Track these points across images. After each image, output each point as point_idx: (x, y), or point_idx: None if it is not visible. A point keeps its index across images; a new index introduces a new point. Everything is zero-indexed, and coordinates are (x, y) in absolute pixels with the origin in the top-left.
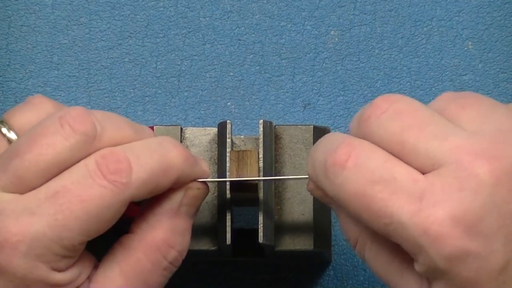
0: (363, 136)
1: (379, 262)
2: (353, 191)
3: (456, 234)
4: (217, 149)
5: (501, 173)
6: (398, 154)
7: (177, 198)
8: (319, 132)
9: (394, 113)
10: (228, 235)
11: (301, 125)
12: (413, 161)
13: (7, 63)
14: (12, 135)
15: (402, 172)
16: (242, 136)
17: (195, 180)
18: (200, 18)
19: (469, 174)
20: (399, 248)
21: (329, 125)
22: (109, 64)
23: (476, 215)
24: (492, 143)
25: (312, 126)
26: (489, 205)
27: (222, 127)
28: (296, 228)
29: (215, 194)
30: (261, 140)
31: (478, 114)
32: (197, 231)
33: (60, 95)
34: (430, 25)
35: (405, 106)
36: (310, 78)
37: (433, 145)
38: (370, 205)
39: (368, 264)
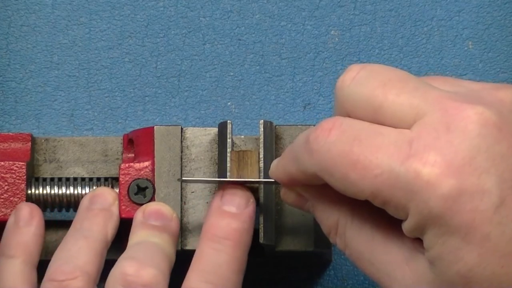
0: (342, 105)
1: (362, 239)
2: (340, 152)
3: (449, 174)
4: (217, 149)
5: (489, 115)
6: (380, 114)
7: None
8: None
9: (370, 72)
10: None
11: (302, 125)
12: (396, 116)
13: (7, 63)
14: None
15: (387, 128)
16: (242, 136)
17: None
18: (200, 18)
19: (455, 117)
20: (381, 218)
21: None
22: (109, 64)
23: (466, 155)
24: (473, 96)
25: (312, 126)
26: (479, 145)
27: (222, 127)
28: (297, 228)
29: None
30: (261, 140)
31: (447, 82)
32: (198, 231)
33: (60, 95)
34: (430, 25)
35: (380, 66)
36: (310, 78)
37: (416, 96)
38: (359, 160)
39: (349, 249)
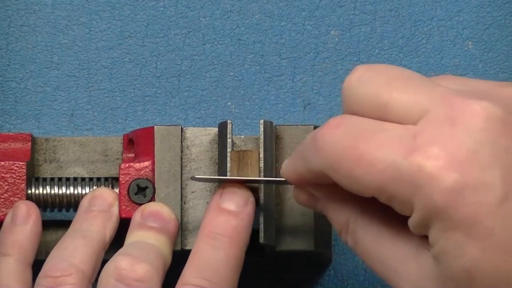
0: (349, 105)
1: (370, 236)
2: (345, 148)
3: (452, 168)
4: (217, 149)
5: (494, 110)
6: (386, 112)
7: None
8: None
9: (375, 72)
10: None
11: (302, 125)
12: (402, 113)
13: (7, 63)
14: None
15: (392, 124)
16: (242, 136)
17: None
18: (200, 18)
19: (460, 112)
20: (388, 216)
21: None
22: (109, 64)
23: (470, 149)
24: (478, 93)
25: (312, 126)
26: (483, 139)
27: (222, 127)
28: (297, 228)
29: None
30: (261, 140)
31: (455, 80)
32: (198, 231)
33: (60, 95)
34: (430, 25)
35: (385, 66)
36: (310, 78)
37: (420, 93)
38: (363, 156)
39: (359, 247)
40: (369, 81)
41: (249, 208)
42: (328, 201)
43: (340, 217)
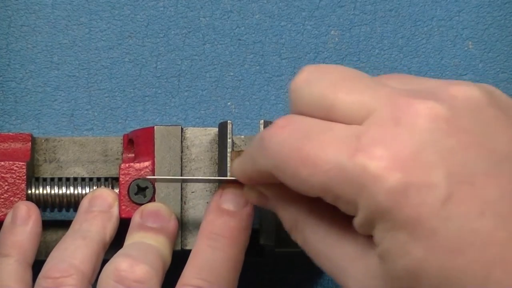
0: (296, 106)
1: (319, 235)
2: (291, 148)
3: (396, 168)
4: (217, 149)
5: (439, 110)
6: (332, 113)
7: None
8: None
9: (321, 72)
10: None
11: None
12: (347, 114)
13: (7, 63)
14: None
15: (338, 124)
16: (242, 136)
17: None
18: (200, 18)
19: (404, 111)
20: (336, 216)
21: None
22: (109, 64)
23: (414, 149)
24: (424, 92)
25: None
26: (427, 139)
27: (223, 127)
28: None
29: None
30: None
31: (403, 79)
32: (198, 231)
33: (60, 95)
34: (430, 25)
35: (331, 66)
36: None
37: (366, 93)
38: (309, 156)
39: (308, 246)
40: (316, 81)
41: (249, 209)
42: (278, 201)
43: (289, 216)
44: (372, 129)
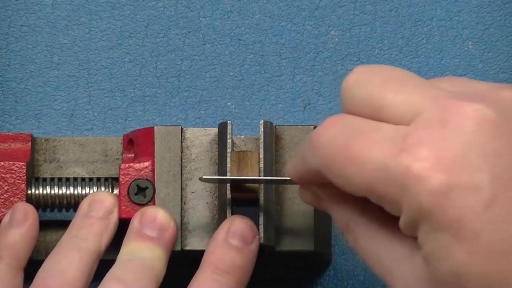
0: (347, 106)
1: (369, 236)
2: (338, 146)
3: (439, 169)
4: (217, 150)
5: (486, 112)
6: (381, 113)
7: None
8: None
9: (371, 73)
10: None
11: (302, 125)
12: (396, 114)
13: (7, 63)
14: None
15: (386, 124)
16: (242, 136)
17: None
18: (200, 18)
19: (451, 113)
20: (387, 216)
21: None
22: (109, 64)
23: (459, 151)
24: (473, 95)
25: (312, 126)
26: (473, 142)
27: (222, 128)
28: (297, 229)
29: (215, 195)
30: (261, 140)
31: (455, 82)
32: (198, 231)
33: (60, 95)
34: (430, 25)
35: (381, 67)
36: (310, 78)
37: (414, 94)
38: (355, 155)
39: (359, 247)
40: (365, 82)
41: (255, 246)
42: (331, 201)
43: (341, 216)
44: (419, 130)
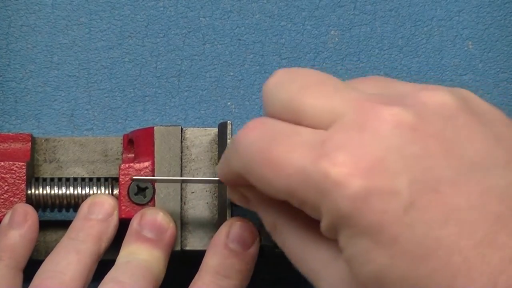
0: (267, 109)
1: (296, 238)
2: (258, 150)
3: (358, 174)
4: (217, 150)
5: (404, 116)
6: (300, 117)
7: None
8: None
9: (291, 76)
10: None
11: None
12: (315, 119)
13: (7, 63)
14: None
15: (306, 129)
16: None
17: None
18: (200, 18)
19: (369, 118)
20: (312, 219)
21: None
22: (109, 64)
23: (377, 155)
24: (393, 98)
25: None
26: (391, 146)
27: (222, 128)
28: None
29: (215, 195)
30: None
31: (378, 83)
32: (198, 231)
33: (60, 95)
34: (430, 25)
35: (302, 70)
36: None
37: (334, 98)
38: (274, 159)
39: (286, 248)
40: (285, 85)
41: (255, 249)
42: (258, 202)
43: (268, 218)
44: (337, 135)
